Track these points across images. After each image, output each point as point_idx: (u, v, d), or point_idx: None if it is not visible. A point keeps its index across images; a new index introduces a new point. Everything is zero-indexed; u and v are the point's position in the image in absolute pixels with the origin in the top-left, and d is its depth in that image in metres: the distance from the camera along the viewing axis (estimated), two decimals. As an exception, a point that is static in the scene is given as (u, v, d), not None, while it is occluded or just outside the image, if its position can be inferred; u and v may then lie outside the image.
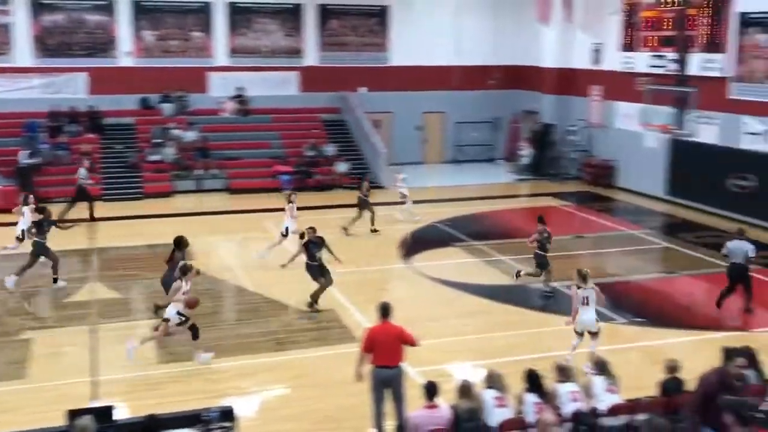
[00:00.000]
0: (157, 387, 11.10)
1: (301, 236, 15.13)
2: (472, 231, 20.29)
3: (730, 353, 8.02)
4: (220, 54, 28.49)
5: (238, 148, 26.78)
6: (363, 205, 20.10)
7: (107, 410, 8.04)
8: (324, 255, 14.62)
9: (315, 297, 14.18)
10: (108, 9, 27.21)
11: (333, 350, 12.38)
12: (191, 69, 27.98)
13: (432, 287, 16.08)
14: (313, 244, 14.45)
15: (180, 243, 13.53)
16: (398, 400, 9.37)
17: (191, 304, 11.83)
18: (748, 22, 20.90)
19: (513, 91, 31.22)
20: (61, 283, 15.66)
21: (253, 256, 17.32)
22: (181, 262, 12.39)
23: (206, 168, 25.84)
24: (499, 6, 30.85)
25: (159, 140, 26.08)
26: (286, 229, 17.34)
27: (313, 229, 14.72)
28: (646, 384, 9.73)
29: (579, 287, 11.89)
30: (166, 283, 12.97)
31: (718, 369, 7.44)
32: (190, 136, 26.46)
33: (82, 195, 21.43)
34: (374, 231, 19.98)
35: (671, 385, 9.14)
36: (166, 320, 11.82)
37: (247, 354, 12.29)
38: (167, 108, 27.52)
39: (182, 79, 27.69)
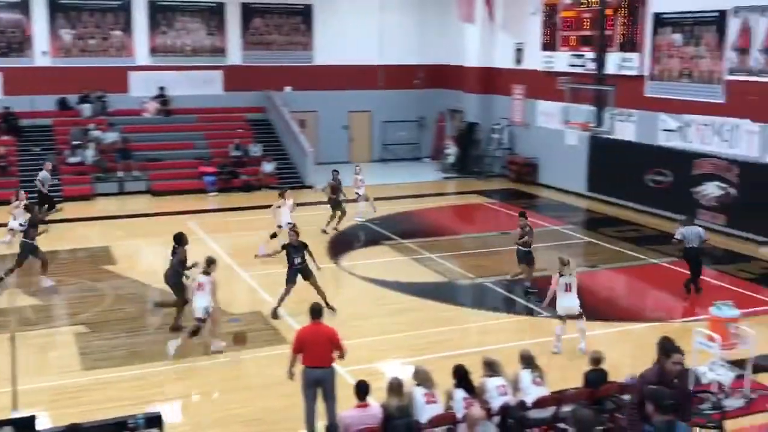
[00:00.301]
0: (80, 395, 10.81)
1: (272, 236, 14.87)
2: (400, 229, 20.40)
3: (667, 349, 8.22)
4: (141, 53, 27.90)
5: (160, 149, 26.28)
6: (335, 205, 19.89)
7: (29, 421, 7.80)
8: (305, 258, 14.01)
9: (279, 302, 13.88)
10: (23, 7, 26.32)
11: (261, 352, 12.28)
12: (111, 69, 27.32)
13: (361, 286, 16.11)
14: (293, 248, 13.95)
15: (180, 239, 13.47)
16: (329, 400, 9.38)
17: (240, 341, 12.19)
18: (662, 22, 21.62)
19: (438, 90, 31.54)
20: (49, 282, 15.50)
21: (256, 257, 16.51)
22: (207, 256, 12.61)
23: (128, 170, 25.28)
24: (423, 5, 31.12)
25: (78, 142, 25.38)
26: (286, 224, 16.97)
27: (295, 233, 14.30)
28: (571, 376, 9.97)
29: (561, 275, 12.28)
30: (170, 279, 13.20)
31: (656, 367, 7.59)
32: (111, 137, 25.84)
33: (43, 199, 20.72)
34: (324, 232, 19.76)
35: (594, 377, 9.39)
36: (200, 319, 12.05)
37: (174, 358, 12.07)
38: (86, 109, 26.82)
39: (102, 79, 27.02)
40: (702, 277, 15.55)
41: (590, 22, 23.77)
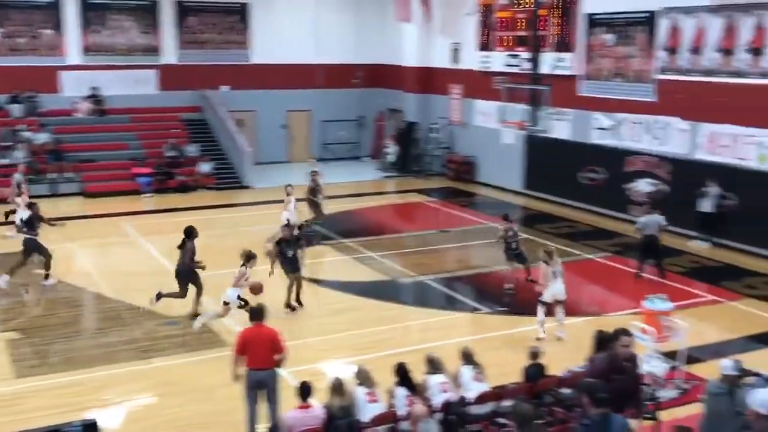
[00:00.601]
0: (14, 403, 10.49)
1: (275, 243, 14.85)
2: (341, 229, 20.37)
3: (616, 333, 8.38)
4: (73, 52, 27.23)
5: (93, 149, 25.69)
6: (312, 203, 19.74)
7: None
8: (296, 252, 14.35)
9: (294, 296, 14.17)
10: (-54, 4, 25.50)
11: (199, 356, 12.12)
12: (41, 68, 26.61)
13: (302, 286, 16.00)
14: (285, 243, 14.21)
15: (191, 233, 13.54)
16: (272, 402, 9.30)
17: (256, 290, 12.45)
18: (594, 22, 22.07)
19: (377, 89, 31.61)
20: (51, 281, 15.37)
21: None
22: (245, 249, 12.85)
23: (60, 171, 24.67)
24: (361, 5, 31.15)
25: (8, 143, 24.65)
26: (287, 221, 16.81)
27: (289, 228, 14.66)
28: (510, 371, 10.10)
29: (546, 263, 12.86)
30: (181, 273, 13.49)
31: (607, 353, 7.69)
32: (42, 138, 25.19)
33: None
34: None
35: (533, 371, 9.53)
36: (227, 303, 12.39)
37: (110, 364, 11.82)
38: (16, 109, 26.07)
39: (32, 79, 26.30)
40: (634, 271, 15.96)
41: (525, 23, 24.13)
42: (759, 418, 5.08)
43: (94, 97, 27.11)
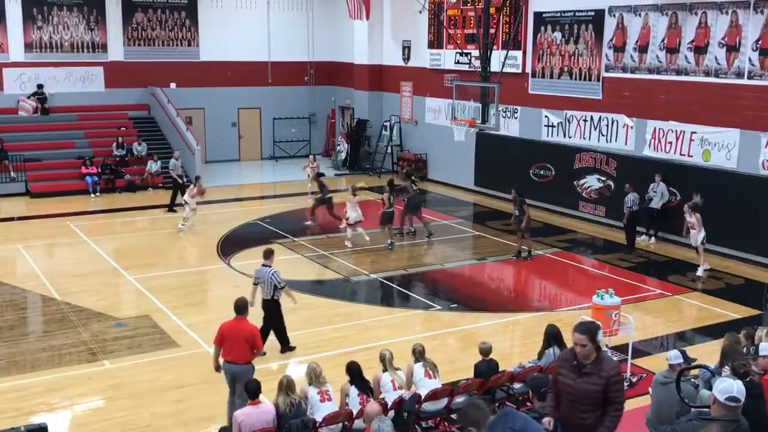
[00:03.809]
0: (-46, 410, 10.21)
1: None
2: (293, 227, 20.26)
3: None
4: (15, 49, 26.53)
5: (39, 149, 25.12)
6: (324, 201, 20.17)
7: None
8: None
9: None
10: None
11: (150, 357, 11.94)
12: (-18, 65, 25.96)
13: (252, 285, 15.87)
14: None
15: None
16: (242, 398, 9.24)
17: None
18: (543, 20, 22.32)
19: (328, 87, 31.53)
20: None
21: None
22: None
23: (4, 171, 24.04)
24: (312, 2, 30.99)
25: (-53, 142, 24.00)
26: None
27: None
28: (463, 367, 10.16)
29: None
30: None
31: (570, 348, 7.77)
32: (-16, 137, 24.55)
33: None
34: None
35: (485, 367, 9.60)
36: None
37: (58, 367, 11.58)
38: (-45, 107, 25.38)
39: (-28, 76, 25.63)
40: (584, 266, 16.19)
41: (475, 21, 24.26)
42: (718, 406, 5.20)
43: (38, 95, 26.50)
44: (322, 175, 21.20)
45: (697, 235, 15.91)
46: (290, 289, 12.37)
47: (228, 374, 9.50)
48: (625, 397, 9.41)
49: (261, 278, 11.98)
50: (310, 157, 25.30)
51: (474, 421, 4.96)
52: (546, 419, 6.27)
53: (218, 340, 9.56)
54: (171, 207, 21.83)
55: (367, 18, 28.04)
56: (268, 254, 12.32)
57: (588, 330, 6.24)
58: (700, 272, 16.06)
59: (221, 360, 9.57)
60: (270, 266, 12.05)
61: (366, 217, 18.84)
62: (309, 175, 23.12)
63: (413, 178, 20.26)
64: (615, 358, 11.12)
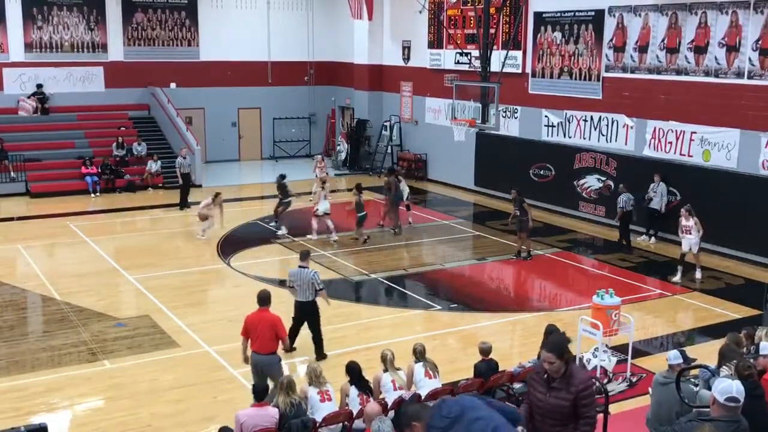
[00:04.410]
0: (-45, 410, 10.21)
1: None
2: (292, 227, 20.25)
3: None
4: (15, 49, 26.52)
5: (39, 149, 25.11)
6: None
7: None
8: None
9: None
10: None
11: (150, 357, 11.94)
12: (-18, 65, 25.96)
13: (253, 285, 15.85)
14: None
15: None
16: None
17: None
18: (543, 20, 22.31)
19: (329, 87, 31.53)
20: None
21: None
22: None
23: (4, 171, 24.03)
24: (312, 2, 30.99)
25: (-53, 142, 24.01)
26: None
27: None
28: (463, 367, 10.16)
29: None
30: None
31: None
32: (-16, 137, 24.56)
33: None
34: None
35: (485, 367, 9.60)
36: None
37: (58, 367, 11.58)
38: (-45, 107, 25.39)
39: (-28, 76, 25.63)
40: (584, 266, 16.19)
41: (475, 21, 24.25)
42: (717, 406, 5.20)
43: (39, 95, 26.50)
44: (284, 177, 20.49)
45: (692, 240, 15.69)
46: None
47: (253, 363, 9.72)
48: (625, 396, 9.41)
49: (298, 280, 11.57)
50: (318, 157, 25.18)
51: (411, 416, 5.00)
52: (519, 428, 6.23)
53: (244, 332, 9.84)
54: (183, 205, 21.82)
55: (369, 18, 28.06)
56: (305, 255, 11.89)
57: (554, 347, 6.05)
58: (698, 274, 16.00)
59: (249, 352, 9.81)
60: (307, 267, 11.68)
61: (367, 217, 18.81)
62: (317, 175, 22.86)
63: (398, 176, 20.46)
64: (615, 358, 11.13)
